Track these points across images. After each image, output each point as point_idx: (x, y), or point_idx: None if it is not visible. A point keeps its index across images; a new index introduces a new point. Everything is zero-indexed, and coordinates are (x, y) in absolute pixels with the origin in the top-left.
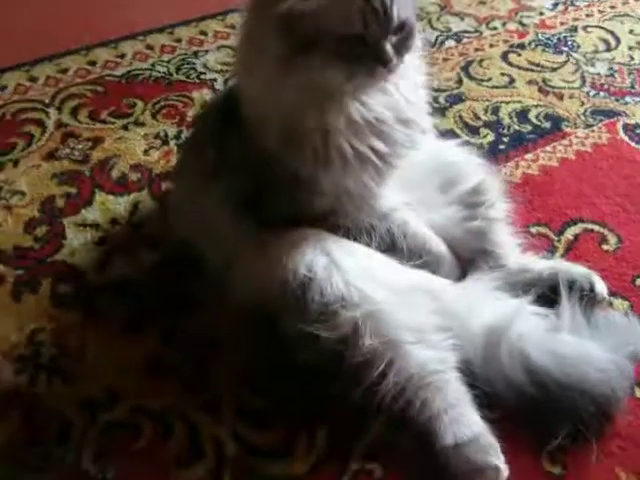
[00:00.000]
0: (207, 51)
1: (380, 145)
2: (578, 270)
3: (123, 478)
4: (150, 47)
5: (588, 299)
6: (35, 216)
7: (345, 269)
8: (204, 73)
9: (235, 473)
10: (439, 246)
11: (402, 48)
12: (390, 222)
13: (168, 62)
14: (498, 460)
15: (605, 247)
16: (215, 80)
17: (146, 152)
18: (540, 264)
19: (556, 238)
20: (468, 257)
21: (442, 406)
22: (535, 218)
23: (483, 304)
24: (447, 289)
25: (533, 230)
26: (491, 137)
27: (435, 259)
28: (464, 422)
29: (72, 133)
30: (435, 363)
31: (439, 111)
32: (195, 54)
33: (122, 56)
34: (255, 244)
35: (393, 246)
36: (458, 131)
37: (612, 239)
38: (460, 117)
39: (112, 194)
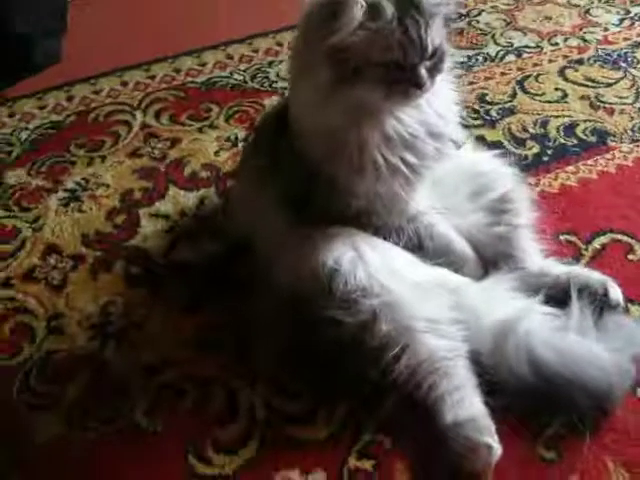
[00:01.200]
0: (281, 61)
1: (411, 157)
2: (594, 276)
3: (169, 432)
4: (230, 57)
5: (602, 303)
6: (116, 206)
7: (369, 263)
8: (276, 82)
9: (263, 434)
10: (464, 248)
11: (435, 71)
12: (418, 224)
13: (244, 71)
14: (492, 440)
15: (631, 257)
16: (285, 88)
17: (216, 153)
18: (558, 268)
19: (584, 246)
20: (491, 259)
21: (447, 389)
22: (566, 227)
23: (498, 302)
24: (466, 286)
25: (562, 238)
26: (536, 149)
27: (459, 259)
28: (465, 404)
29: (154, 134)
30: (445, 351)
31: (489, 123)
32: (270, 64)
33: (204, 65)
34: (298, 238)
35: (420, 246)
36: (505, 142)
37: (639, 250)
38: (509, 129)
39: (183, 189)
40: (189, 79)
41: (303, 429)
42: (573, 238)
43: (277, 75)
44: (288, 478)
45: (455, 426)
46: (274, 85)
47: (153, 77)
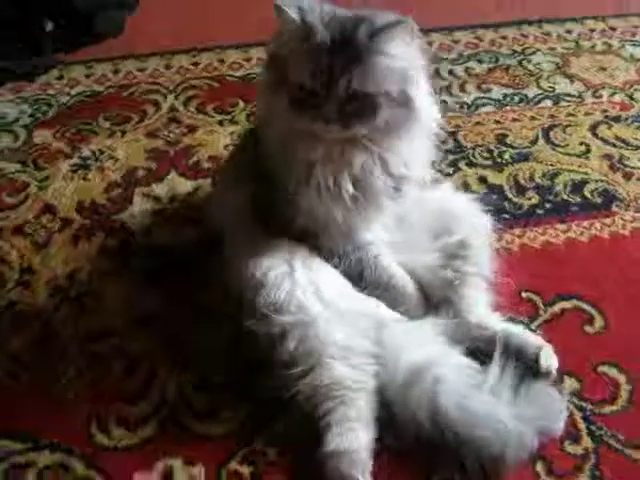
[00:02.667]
0: None
1: (352, 188)
2: (531, 339)
3: (83, 397)
4: None
5: (532, 369)
6: (117, 180)
7: (296, 280)
8: None
9: (165, 418)
10: (405, 285)
11: (354, 116)
12: (363, 253)
13: None
14: (362, 477)
15: (587, 328)
16: None
17: (226, 147)
18: (499, 325)
19: (543, 307)
20: (434, 302)
21: (340, 418)
22: (532, 285)
23: (419, 344)
24: (394, 323)
25: (524, 295)
26: (534, 200)
27: (399, 295)
28: (350, 436)
29: (176, 118)
30: (350, 381)
31: (498, 165)
32: None
33: (248, 60)
34: (252, 242)
35: (360, 275)
36: (506, 188)
37: (598, 323)
38: (515, 175)
39: (183, 176)
40: (230, 72)
41: (202, 422)
42: (535, 297)
43: None
44: (169, 465)
45: (333, 455)
46: None
47: (197, 64)
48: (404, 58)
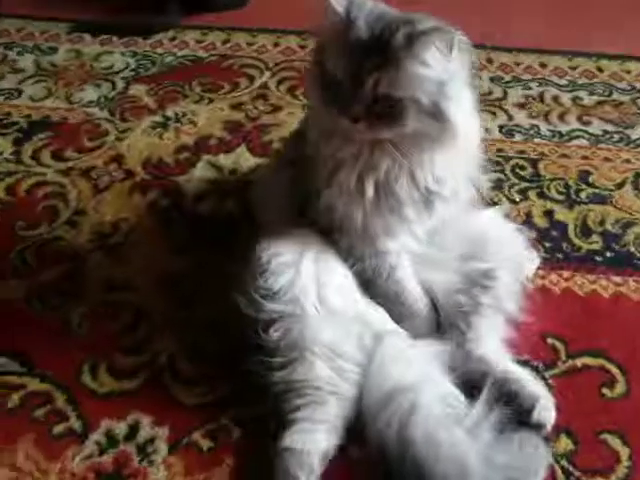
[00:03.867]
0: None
1: (371, 192)
2: (530, 387)
3: (86, 338)
4: None
5: (525, 416)
6: (188, 144)
7: (300, 272)
8: None
9: (152, 377)
10: (416, 302)
11: (380, 119)
12: (380, 261)
13: None
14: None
15: (605, 391)
16: None
17: None
18: (503, 363)
19: (564, 358)
20: (444, 324)
21: (304, 417)
22: (562, 332)
23: (410, 365)
24: (391, 337)
25: (549, 340)
26: (596, 246)
27: (406, 311)
28: (307, 437)
29: (264, 95)
30: (327, 384)
31: (569, 203)
32: None
33: None
34: (277, 226)
35: (372, 282)
36: (570, 226)
37: (620, 389)
38: (585, 217)
39: (251, 152)
40: None
41: (182, 388)
42: (560, 345)
43: None
44: (137, 421)
45: (285, 451)
46: None
47: (304, 47)
48: (441, 69)
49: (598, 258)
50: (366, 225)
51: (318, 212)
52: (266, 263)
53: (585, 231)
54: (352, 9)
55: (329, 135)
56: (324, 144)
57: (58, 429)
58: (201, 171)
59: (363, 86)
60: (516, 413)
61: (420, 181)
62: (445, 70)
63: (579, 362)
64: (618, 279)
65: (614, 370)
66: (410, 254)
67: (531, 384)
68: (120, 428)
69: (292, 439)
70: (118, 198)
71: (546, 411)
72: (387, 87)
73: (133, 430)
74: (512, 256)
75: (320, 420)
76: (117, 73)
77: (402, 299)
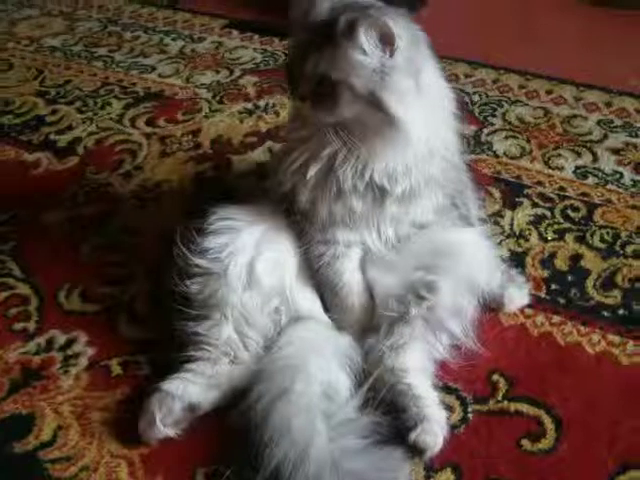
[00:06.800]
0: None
1: (312, 173)
2: (423, 409)
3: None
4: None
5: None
6: (260, 131)
7: (239, 237)
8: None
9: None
10: (350, 296)
11: (319, 102)
12: (324, 249)
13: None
14: (160, 421)
15: (523, 442)
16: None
17: None
18: (411, 378)
19: (499, 398)
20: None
21: (192, 368)
22: (515, 374)
23: (307, 351)
24: (307, 321)
25: (494, 376)
26: (611, 301)
27: (338, 302)
28: (181, 384)
29: None
30: (225, 344)
31: (607, 252)
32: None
33: None
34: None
35: (313, 268)
36: (592, 275)
37: (544, 444)
38: (614, 270)
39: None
40: None
41: (127, 322)
42: (503, 386)
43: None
44: (76, 337)
45: (154, 390)
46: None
47: None
48: (379, 58)
49: (606, 313)
50: (311, 209)
51: (272, 187)
52: (209, 223)
53: (607, 284)
54: None
55: (294, 117)
56: (289, 125)
57: (17, 326)
58: (257, 154)
59: (304, 61)
60: (405, 429)
61: (367, 173)
62: (384, 60)
63: (513, 406)
64: (616, 338)
65: (549, 426)
66: (367, 251)
67: (426, 405)
68: (61, 339)
69: (169, 383)
70: (174, 164)
71: (429, 436)
72: (325, 67)
73: (69, 343)
74: (467, 276)
75: (203, 374)
76: (240, 64)
77: (336, 289)
